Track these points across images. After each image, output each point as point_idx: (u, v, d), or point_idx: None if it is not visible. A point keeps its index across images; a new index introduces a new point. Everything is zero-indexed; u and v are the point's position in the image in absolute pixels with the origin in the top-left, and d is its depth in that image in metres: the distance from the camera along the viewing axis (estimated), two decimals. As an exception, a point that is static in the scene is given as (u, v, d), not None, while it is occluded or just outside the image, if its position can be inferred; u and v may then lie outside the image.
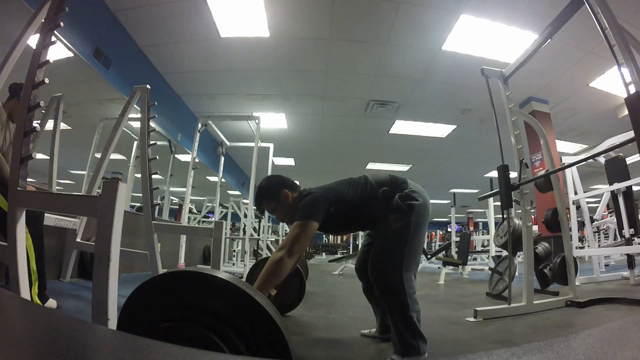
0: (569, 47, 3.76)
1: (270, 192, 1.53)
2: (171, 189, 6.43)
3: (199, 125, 4.44)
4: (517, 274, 3.52)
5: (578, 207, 4.50)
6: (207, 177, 7.45)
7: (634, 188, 3.78)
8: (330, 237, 21.92)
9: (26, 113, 1.47)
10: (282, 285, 1.92)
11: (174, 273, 0.74)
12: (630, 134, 1.69)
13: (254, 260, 4.73)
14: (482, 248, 7.92)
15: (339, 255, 8.94)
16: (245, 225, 5.40)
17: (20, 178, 1.42)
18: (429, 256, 5.45)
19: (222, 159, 5.44)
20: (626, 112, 1.58)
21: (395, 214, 1.45)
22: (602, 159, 4.02)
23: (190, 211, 7.88)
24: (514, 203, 2.73)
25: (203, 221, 8.04)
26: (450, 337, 1.75)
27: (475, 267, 5.61)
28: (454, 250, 6.17)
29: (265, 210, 1.63)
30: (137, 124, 2.85)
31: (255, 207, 1.66)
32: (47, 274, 2.03)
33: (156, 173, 2.62)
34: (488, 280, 3.38)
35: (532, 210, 2.78)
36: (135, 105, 2.55)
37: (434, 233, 15.28)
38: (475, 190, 10.64)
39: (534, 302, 2.36)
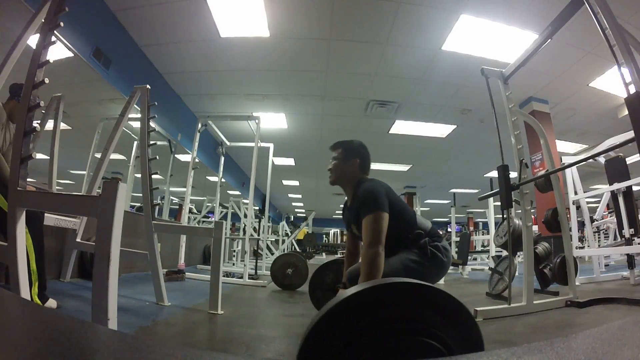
0: (569, 47, 3.76)
1: (351, 150, 1.62)
2: (171, 189, 6.44)
3: (199, 125, 4.45)
4: (517, 274, 3.52)
5: (578, 207, 4.50)
6: (207, 177, 7.45)
7: (634, 188, 3.78)
8: (330, 237, 21.98)
9: (26, 113, 1.47)
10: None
11: (374, 288, 0.70)
12: (630, 134, 1.69)
13: (254, 260, 4.74)
14: (482, 248, 7.92)
15: (338, 255, 8.94)
16: (245, 225, 5.40)
17: (20, 178, 1.42)
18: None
19: (222, 159, 5.44)
20: (626, 112, 1.58)
21: (417, 251, 1.45)
22: (602, 159, 4.02)
23: (190, 211, 7.89)
24: (514, 203, 2.73)
25: (203, 221, 8.05)
26: (450, 337, 1.75)
27: (475, 267, 5.62)
28: (454, 250, 6.17)
29: (333, 152, 1.66)
30: (137, 124, 2.85)
31: (330, 147, 1.69)
32: (47, 274, 2.03)
33: (156, 173, 2.62)
34: (488, 280, 3.38)
35: (532, 210, 2.78)
36: (135, 105, 2.55)
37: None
38: (475, 190, 10.64)
39: (534, 302, 2.36)
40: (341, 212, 1.80)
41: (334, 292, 2.01)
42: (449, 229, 8.09)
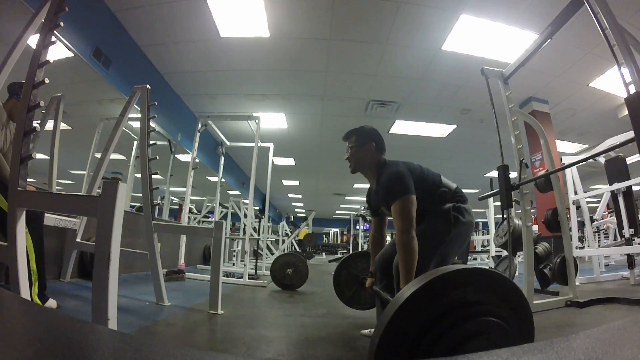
0: (569, 47, 3.75)
1: (364, 135, 1.65)
2: (171, 189, 6.43)
3: (199, 125, 4.44)
4: (517, 274, 3.52)
5: (578, 207, 4.50)
6: (207, 177, 7.45)
7: (634, 188, 3.78)
8: (330, 237, 21.97)
9: (26, 113, 1.47)
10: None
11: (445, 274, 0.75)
12: (630, 134, 1.69)
13: (254, 260, 4.74)
14: (482, 248, 7.92)
15: (339, 255, 8.94)
16: (245, 225, 5.40)
17: (20, 178, 1.42)
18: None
19: (222, 159, 5.44)
20: (626, 112, 1.58)
21: (441, 219, 1.50)
22: (602, 159, 4.02)
23: (190, 211, 7.89)
24: (514, 203, 2.73)
25: (203, 221, 8.04)
26: (450, 337, 1.75)
27: (475, 267, 5.61)
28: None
29: (347, 142, 1.69)
30: (137, 124, 2.85)
31: (343, 137, 1.72)
32: (47, 274, 2.04)
33: (156, 173, 2.62)
34: (488, 280, 3.37)
35: (532, 210, 2.78)
36: (135, 105, 2.55)
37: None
38: (475, 190, 10.63)
39: (534, 302, 2.36)
40: (366, 197, 1.83)
41: (358, 279, 2.04)
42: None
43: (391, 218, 1.54)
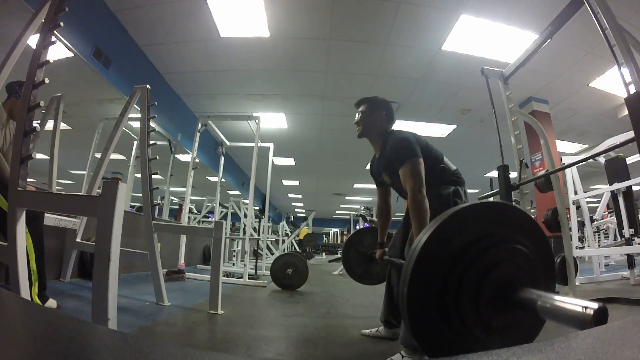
0: (569, 47, 3.76)
1: (375, 103, 1.70)
2: (171, 189, 6.43)
3: (199, 125, 4.44)
4: (517, 274, 3.51)
5: (578, 207, 4.50)
6: (207, 177, 7.45)
7: (634, 188, 3.78)
8: (330, 237, 21.97)
9: (26, 113, 1.47)
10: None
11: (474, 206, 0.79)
12: (630, 134, 1.69)
13: (254, 260, 4.74)
14: (482, 248, 7.90)
15: (339, 255, 8.94)
16: (245, 225, 5.40)
17: (20, 178, 1.42)
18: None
19: (222, 159, 5.44)
20: (626, 112, 1.58)
21: (443, 205, 1.47)
22: (602, 159, 4.02)
23: (190, 211, 7.88)
24: (514, 203, 2.72)
25: (203, 221, 8.04)
26: (450, 337, 1.75)
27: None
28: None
29: (358, 108, 1.74)
30: (137, 124, 2.85)
31: (355, 104, 1.77)
32: (47, 274, 2.03)
33: (156, 173, 2.62)
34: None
35: (532, 210, 2.78)
36: (135, 105, 2.55)
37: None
38: (475, 190, 10.62)
39: (534, 302, 2.35)
40: (370, 167, 1.88)
41: (366, 256, 2.05)
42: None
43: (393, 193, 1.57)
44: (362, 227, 11.23)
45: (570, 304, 0.60)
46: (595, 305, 0.55)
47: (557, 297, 0.63)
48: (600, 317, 0.55)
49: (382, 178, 1.73)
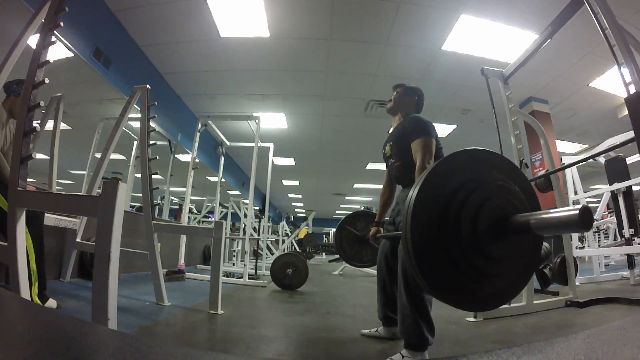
0: (569, 47, 3.75)
1: (412, 90, 1.85)
2: (171, 189, 6.43)
3: (199, 125, 4.44)
4: (517, 274, 3.51)
5: (578, 207, 4.49)
6: (207, 177, 7.45)
7: (634, 188, 3.78)
8: (330, 237, 21.94)
9: (26, 113, 1.47)
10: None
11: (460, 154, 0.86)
12: (630, 134, 1.69)
13: (254, 260, 4.74)
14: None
15: (338, 256, 8.93)
16: (245, 225, 5.40)
17: (20, 178, 1.42)
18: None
19: (222, 159, 5.44)
20: (626, 112, 1.58)
21: None
22: (602, 159, 4.02)
23: (190, 211, 7.88)
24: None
25: (203, 221, 8.04)
26: (450, 337, 1.75)
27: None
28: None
29: (394, 90, 1.88)
30: (137, 124, 2.85)
31: (393, 86, 1.91)
32: (47, 274, 2.03)
33: (156, 173, 2.62)
34: (488, 280, 3.37)
35: (532, 210, 2.77)
36: (135, 105, 2.55)
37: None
38: (475, 190, 10.63)
39: (534, 302, 2.36)
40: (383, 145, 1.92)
41: (358, 238, 2.12)
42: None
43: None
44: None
45: (557, 213, 0.66)
46: (579, 206, 0.61)
47: (544, 213, 0.70)
48: (585, 213, 0.60)
49: (385, 149, 1.79)
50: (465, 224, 0.75)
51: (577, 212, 0.62)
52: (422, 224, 0.77)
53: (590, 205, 4.84)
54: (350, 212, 2.44)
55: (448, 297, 0.78)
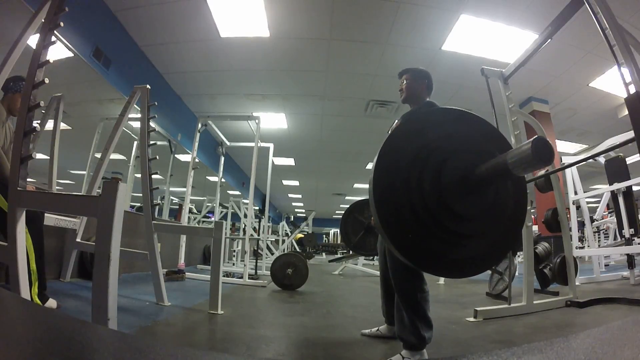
0: (569, 47, 3.75)
1: (419, 73, 1.87)
2: (171, 189, 6.43)
3: (199, 125, 4.44)
4: (517, 274, 3.52)
5: (578, 207, 4.50)
6: (207, 177, 7.45)
7: (634, 188, 3.78)
8: (330, 237, 21.96)
9: (26, 113, 1.47)
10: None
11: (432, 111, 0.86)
12: (630, 134, 1.69)
13: (254, 260, 4.74)
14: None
15: (338, 255, 8.94)
16: (245, 225, 5.40)
17: (20, 178, 1.42)
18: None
19: (222, 159, 5.44)
20: (626, 112, 1.58)
21: None
22: (602, 159, 4.02)
23: (190, 211, 7.88)
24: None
25: (203, 221, 8.04)
26: (450, 337, 1.75)
27: (475, 267, 5.60)
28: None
29: (401, 77, 1.87)
30: (137, 124, 2.85)
31: (399, 73, 1.89)
32: (47, 274, 2.03)
33: (156, 173, 2.62)
34: (488, 280, 3.38)
35: (532, 210, 2.78)
36: (135, 105, 2.55)
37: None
38: (475, 190, 10.63)
39: (534, 302, 2.36)
40: None
41: (364, 225, 2.14)
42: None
43: None
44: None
45: (513, 151, 0.67)
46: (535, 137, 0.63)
47: (503, 155, 0.69)
48: (539, 144, 0.61)
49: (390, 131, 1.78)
50: (426, 183, 0.70)
51: (530, 144, 0.61)
52: (385, 191, 0.73)
53: (590, 205, 4.85)
54: (359, 200, 2.46)
55: (424, 264, 0.74)
